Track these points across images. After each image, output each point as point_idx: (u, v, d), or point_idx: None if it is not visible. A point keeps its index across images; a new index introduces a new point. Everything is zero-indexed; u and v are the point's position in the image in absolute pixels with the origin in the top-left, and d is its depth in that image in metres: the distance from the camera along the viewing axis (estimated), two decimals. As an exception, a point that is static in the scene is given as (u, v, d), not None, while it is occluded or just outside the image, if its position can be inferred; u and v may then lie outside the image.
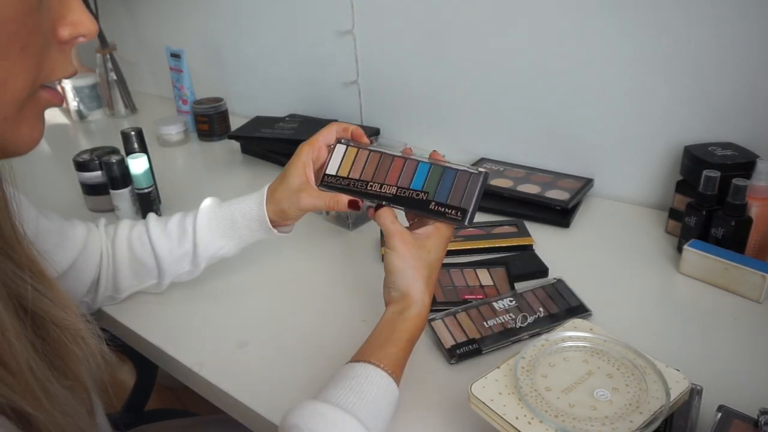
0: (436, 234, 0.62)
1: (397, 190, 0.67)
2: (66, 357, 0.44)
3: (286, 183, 0.69)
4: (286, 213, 0.70)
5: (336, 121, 0.76)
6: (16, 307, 0.40)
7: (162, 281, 0.75)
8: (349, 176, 0.70)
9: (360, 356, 0.56)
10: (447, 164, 0.67)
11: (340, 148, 0.72)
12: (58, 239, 0.68)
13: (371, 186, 0.68)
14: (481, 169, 0.65)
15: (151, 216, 0.75)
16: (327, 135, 0.71)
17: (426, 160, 0.68)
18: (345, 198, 0.68)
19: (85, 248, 0.71)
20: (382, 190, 0.67)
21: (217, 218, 0.72)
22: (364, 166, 0.70)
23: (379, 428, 0.52)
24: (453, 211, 0.64)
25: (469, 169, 0.66)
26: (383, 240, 0.65)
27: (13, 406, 0.38)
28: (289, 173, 0.69)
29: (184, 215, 0.74)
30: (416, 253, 0.60)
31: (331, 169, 0.71)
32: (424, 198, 0.65)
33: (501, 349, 0.66)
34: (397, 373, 0.55)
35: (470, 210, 0.63)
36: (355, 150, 0.71)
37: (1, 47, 0.35)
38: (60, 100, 0.43)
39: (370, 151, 0.71)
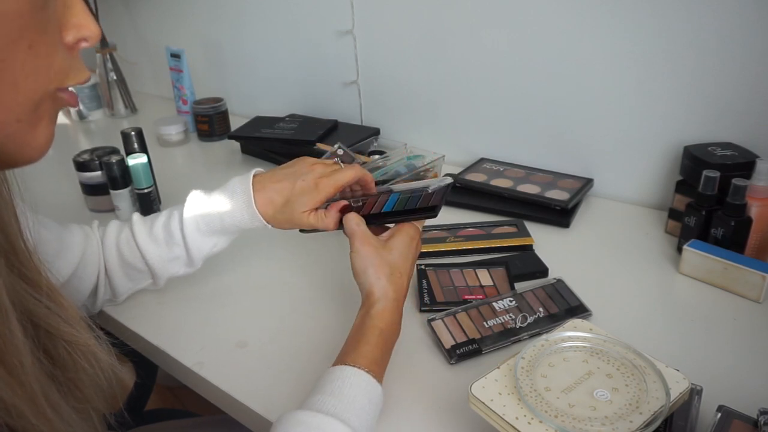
0: (398, 234, 0.65)
1: (371, 217, 0.69)
2: (75, 375, 0.44)
3: (290, 213, 0.68)
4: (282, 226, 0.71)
5: (340, 145, 0.76)
6: (25, 322, 0.40)
7: (158, 281, 0.75)
8: None
9: (337, 361, 0.57)
10: (414, 187, 0.71)
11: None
12: (58, 247, 0.67)
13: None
14: (447, 183, 0.69)
15: (136, 218, 0.73)
16: (348, 182, 0.70)
17: (395, 191, 0.71)
18: (335, 212, 0.68)
19: (84, 254, 0.70)
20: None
21: (205, 221, 0.70)
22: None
23: (365, 426, 0.52)
24: (423, 209, 0.67)
25: (436, 185, 0.70)
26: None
27: (12, 424, 0.37)
28: (295, 212, 0.67)
29: (169, 217, 0.71)
30: (376, 252, 0.62)
31: None
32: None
33: (501, 349, 0.66)
34: (375, 369, 0.56)
35: (437, 205, 0.67)
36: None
37: (8, 44, 0.35)
38: (75, 101, 0.43)
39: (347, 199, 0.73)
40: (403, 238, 0.65)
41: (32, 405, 0.38)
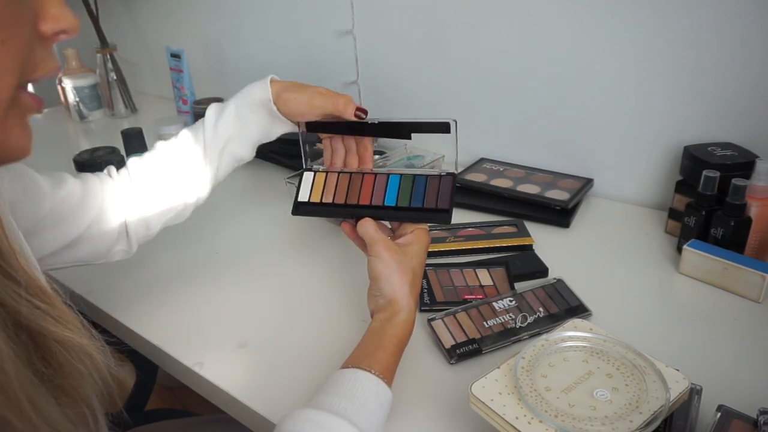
0: (416, 241, 0.65)
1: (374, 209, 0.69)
2: (69, 375, 0.43)
3: (304, 90, 0.71)
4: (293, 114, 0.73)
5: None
6: (10, 324, 0.39)
7: (188, 202, 0.74)
8: (322, 201, 0.72)
9: (350, 363, 0.56)
10: (415, 172, 0.71)
11: (308, 176, 0.74)
12: (79, 200, 0.67)
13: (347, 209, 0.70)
14: (449, 171, 0.70)
15: (159, 143, 0.76)
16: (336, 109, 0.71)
17: (395, 172, 0.71)
18: (352, 108, 0.70)
19: (104, 200, 0.70)
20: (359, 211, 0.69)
21: (222, 104, 0.74)
22: (336, 190, 0.72)
23: (374, 430, 0.52)
24: (432, 213, 0.68)
25: (438, 173, 0.70)
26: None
27: None
28: (310, 89, 0.71)
29: (191, 131, 0.75)
30: (400, 258, 0.62)
31: (303, 196, 0.73)
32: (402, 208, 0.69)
33: (501, 349, 0.66)
34: (387, 376, 0.56)
35: (448, 209, 0.67)
36: (323, 174, 0.74)
37: None
38: (40, 107, 0.41)
39: (339, 173, 0.73)
40: (421, 245, 0.65)
41: (17, 411, 0.38)
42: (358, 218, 0.67)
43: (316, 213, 0.72)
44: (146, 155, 0.74)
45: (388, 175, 0.71)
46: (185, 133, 0.75)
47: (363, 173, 0.72)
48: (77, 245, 0.67)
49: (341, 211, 0.71)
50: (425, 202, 0.68)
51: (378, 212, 0.68)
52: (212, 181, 0.75)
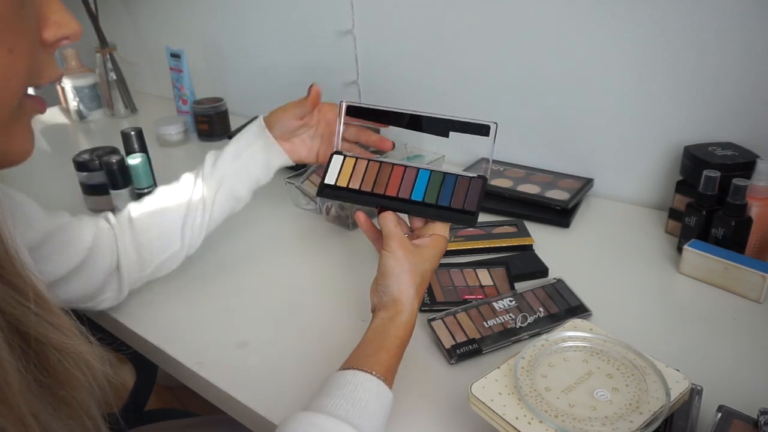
0: (433, 245, 0.64)
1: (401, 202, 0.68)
2: (67, 383, 0.43)
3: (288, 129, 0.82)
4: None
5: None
6: (12, 332, 0.38)
7: (182, 246, 0.77)
8: (349, 186, 0.70)
9: (350, 363, 0.56)
10: (446, 171, 0.69)
11: (337, 159, 0.73)
12: (69, 236, 0.67)
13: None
14: (480, 174, 0.68)
15: (160, 188, 0.78)
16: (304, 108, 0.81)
17: (425, 167, 0.70)
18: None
19: (96, 241, 0.70)
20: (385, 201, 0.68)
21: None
22: (364, 176, 0.71)
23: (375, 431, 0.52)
24: (458, 213, 0.66)
25: (468, 174, 0.68)
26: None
27: None
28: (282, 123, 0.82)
29: (191, 173, 0.79)
30: (413, 259, 0.61)
31: (330, 179, 0.71)
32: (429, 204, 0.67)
33: (501, 349, 0.66)
34: (388, 378, 0.55)
35: (475, 211, 0.66)
36: (353, 160, 0.72)
37: None
38: (44, 108, 0.42)
39: (369, 160, 0.72)
40: (437, 250, 0.64)
41: (19, 424, 0.37)
42: (381, 209, 0.66)
43: (341, 197, 0.71)
44: (146, 199, 0.77)
45: (418, 169, 0.70)
46: (186, 176, 0.78)
47: (393, 164, 0.71)
48: (65, 284, 0.68)
49: (366, 199, 0.69)
50: (452, 201, 0.67)
51: (403, 205, 0.67)
52: (207, 226, 0.78)
